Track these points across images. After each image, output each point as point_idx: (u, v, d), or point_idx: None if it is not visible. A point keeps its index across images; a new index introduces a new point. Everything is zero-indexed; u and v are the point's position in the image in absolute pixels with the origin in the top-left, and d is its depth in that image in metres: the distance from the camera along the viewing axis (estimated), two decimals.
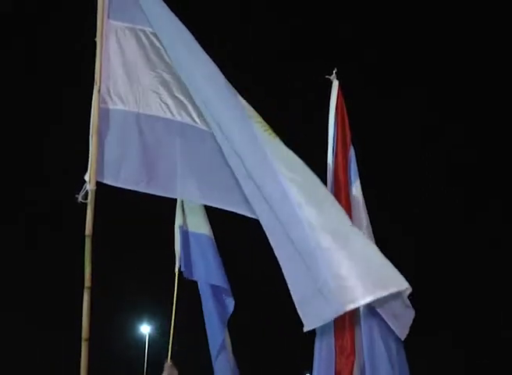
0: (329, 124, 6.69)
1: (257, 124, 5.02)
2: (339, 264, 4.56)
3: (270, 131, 5.02)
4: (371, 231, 6.59)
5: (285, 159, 4.89)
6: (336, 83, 6.65)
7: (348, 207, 6.42)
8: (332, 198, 4.99)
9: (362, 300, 4.56)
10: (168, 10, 5.38)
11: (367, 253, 4.67)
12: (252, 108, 5.15)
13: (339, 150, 6.63)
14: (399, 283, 4.60)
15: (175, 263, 7.84)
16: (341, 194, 6.48)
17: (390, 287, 4.59)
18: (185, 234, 7.97)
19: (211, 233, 8.14)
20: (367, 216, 6.60)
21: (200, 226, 8.07)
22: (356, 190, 6.62)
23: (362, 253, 4.65)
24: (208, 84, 5.18)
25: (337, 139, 6.65)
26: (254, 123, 5.03)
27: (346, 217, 4.85)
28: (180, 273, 7.81)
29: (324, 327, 5.60)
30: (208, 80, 5.18)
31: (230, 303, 8.09)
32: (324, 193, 4.94)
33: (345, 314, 5.08)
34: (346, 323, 5.99)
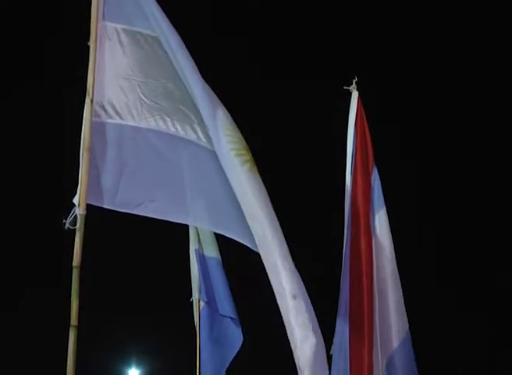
0: (348, 141, 5.99)
1: (232, 152, 4.48)
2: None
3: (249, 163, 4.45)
4: (397, 275, 5.71)
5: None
6: (355, 95, 5.99)
7: (368, 243, 5.63)
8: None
9: None
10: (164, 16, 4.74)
11: None
12: (233, 131, 4.56)
13: (358, 172, 5.83)
14: None
15: (184, 294, 7.06)
16: (360, 227, 5.66)
17: None
18: (202, 259, 7.22)
19: (219, 256, 7.40)
20: (393, 254, 5.72)
21: (212, 249, 7.31)
22: (380, 221, 5.76)
23: None
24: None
25: (356, 158, 5.88)
26: (230, 151, 4.48)
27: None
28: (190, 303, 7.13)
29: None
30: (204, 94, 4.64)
31: (238, 337, 7.32)
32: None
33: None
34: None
